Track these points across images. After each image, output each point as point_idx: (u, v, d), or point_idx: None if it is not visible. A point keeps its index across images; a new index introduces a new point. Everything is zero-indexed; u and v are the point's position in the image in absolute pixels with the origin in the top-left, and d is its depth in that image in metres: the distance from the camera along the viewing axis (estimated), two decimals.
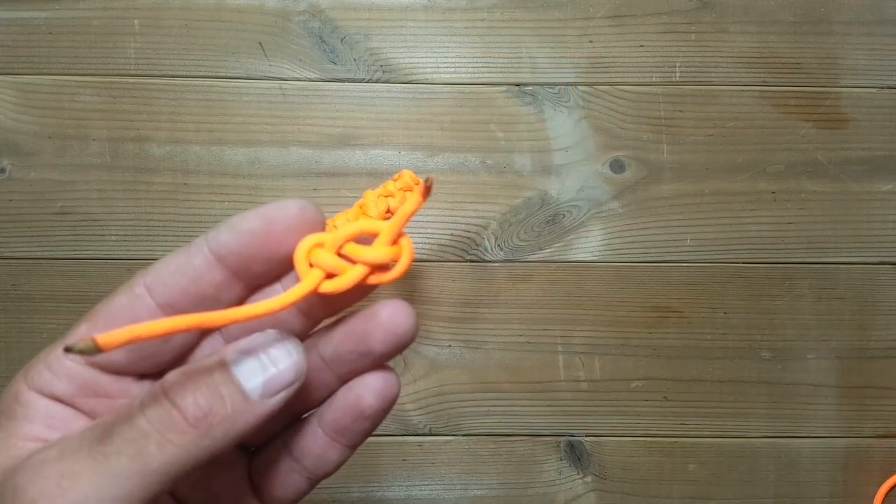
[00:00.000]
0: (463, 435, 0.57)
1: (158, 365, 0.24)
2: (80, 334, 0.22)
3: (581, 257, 0.57)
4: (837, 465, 0.58)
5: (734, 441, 0.58)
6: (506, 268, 0.57)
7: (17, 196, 0.56)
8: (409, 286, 0.57)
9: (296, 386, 0.22)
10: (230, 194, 0.56)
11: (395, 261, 0.25)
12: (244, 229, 0.22)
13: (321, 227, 0.24)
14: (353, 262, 0.24)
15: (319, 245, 0.23)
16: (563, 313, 0.57)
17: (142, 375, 0.24)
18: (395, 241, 0.24)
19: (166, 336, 0.21)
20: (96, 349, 0.19)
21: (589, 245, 0.57)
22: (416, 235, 0.57)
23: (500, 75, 0.57)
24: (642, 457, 0.57)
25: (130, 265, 0.56)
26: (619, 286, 0.57)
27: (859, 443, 0.58)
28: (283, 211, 0.22)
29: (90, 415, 0.23)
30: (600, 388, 0.57)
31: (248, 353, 0.21)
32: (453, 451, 0.56)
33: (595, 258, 0.57)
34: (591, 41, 0.57)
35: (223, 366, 0.21)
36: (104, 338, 0.19)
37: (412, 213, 0.24)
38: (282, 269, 0.23)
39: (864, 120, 0.58)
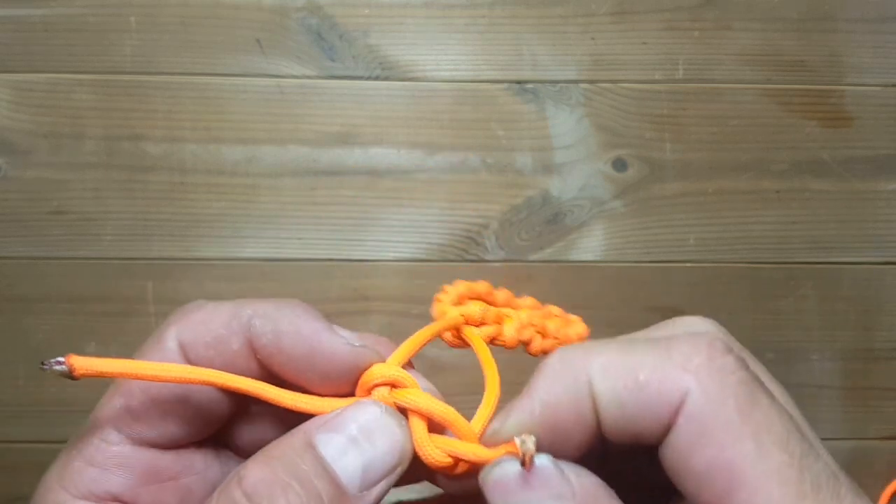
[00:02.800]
0: None
1: (212, 424, 0.20)
2: (117, 410, 0.19)
3: (583, 257, 0.57)
4: (842, 467, 0.57)
5: None
6: (507, 267, 0.56)
7: (11, 195, 0.55)
8: (409, 286, 0.56)
9: (399, 472, 0.18)
10: (227, 193, 0.56)
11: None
12: (286, 349, 0.19)
13: (376, 359, 0.20)
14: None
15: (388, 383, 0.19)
16: None
17: (201, 442, 0.20)
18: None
19: (182, 382, 0.18)
20: (70, 374, 0.17)
21: (591, 245, 0.57)
22: (416, 235, 0.56)
23: (501, 72, 0.56)
24: None
25: (126, 264, 0.55)
26: (620, 286, 0.57)
27: (864, 445, 0.57)
28: (331, 350, 0.19)
29: None
30: None
31: (338, 430, 0.18)
32: None
33: (597, 258, 0.57)
34: (593, 38, 0.57)
35: (310, 448, 0.17)
36: (80, 362, 0.17)
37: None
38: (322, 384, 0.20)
39: (869, 118, 0.57)
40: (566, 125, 0.56)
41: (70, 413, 0.55)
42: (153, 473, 0.19)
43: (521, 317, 0.22)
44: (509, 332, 0.21)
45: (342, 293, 0.56)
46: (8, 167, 0.55)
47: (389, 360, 0.20)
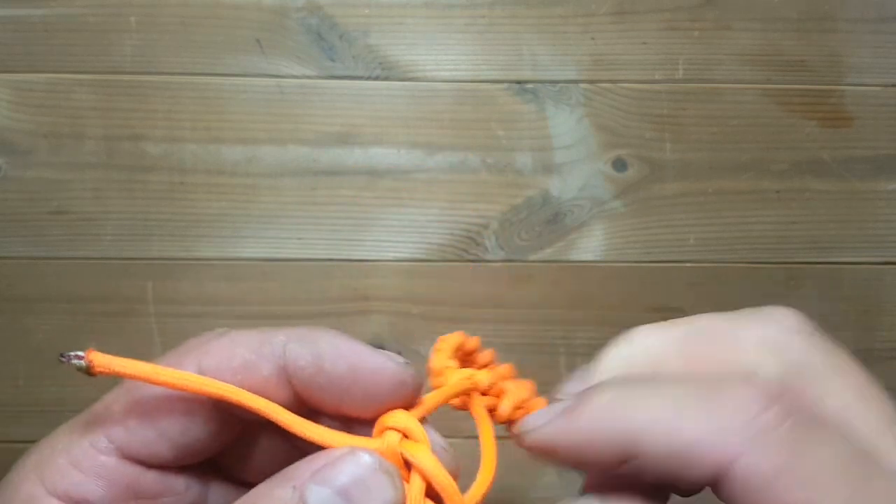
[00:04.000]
0: (463, 437, 0.56)
1: (204, 455, 0.20)
2: (114, 420, 0.18)
3: (583, 257, 0.57)
4: None
5: None
6: (507, 268, 0.56)
7: (11, 195, 0.55)
8: (409, 286, 0.56)
9: None
10: (227, 193, 0.56)
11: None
12: (328, 371, 0.18)
13: (416, 391, 0.20)
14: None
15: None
16: (565, 314, 0.57)
17: (184, 467, 0.20)
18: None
19: (199, 393, 0.18)
20: (88, 370, 0.17)
21: (591, 245, 0.57)
22: (416, 235, 0.56)
23: (501, 72, 0.56)
24: None
25: (126, 265, 0.55)
26: (621, 286, 0.57)
27: None
28: (375, 367, 0.18)
29: None
30: None
31: (329, 482, 0.17)
32: None
33: (597, 258, 0.57)
34: (593, 38, 0.57)
35: (301, 502, 0.17)
36: (100, 360, 0.17)
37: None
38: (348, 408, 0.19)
39: (869, 118, 0.57)
40: (566, 125, 0.56)
41: (70, 413, 0.55)
42: (134, 489, 0.19)
43: (520, 394, 0.22)
44: (505, 408, 0.21)
45: (342, 293, 0.56)
46: (8, 167, 0.55)
47: (413, 410, 0.19)
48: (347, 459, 0.17)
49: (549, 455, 0.19)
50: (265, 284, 0.56)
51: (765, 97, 0.57)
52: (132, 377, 0.18)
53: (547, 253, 0.57)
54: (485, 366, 0.23)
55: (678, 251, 0.57)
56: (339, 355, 0.18)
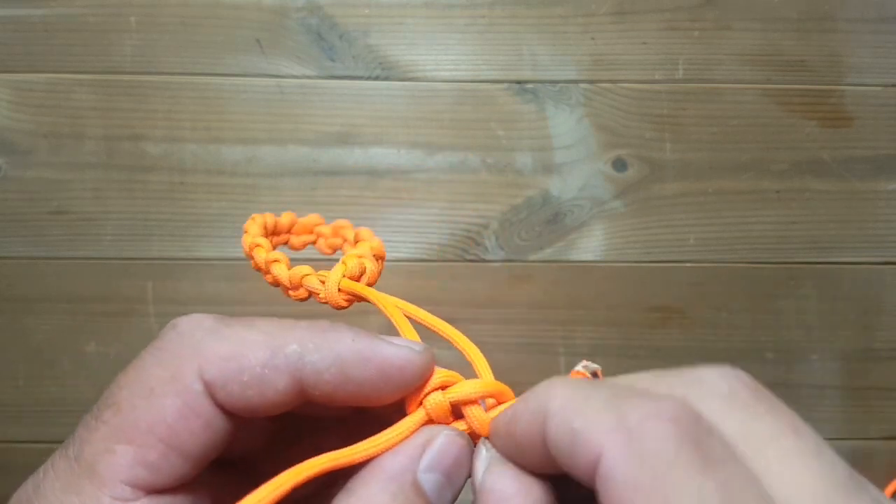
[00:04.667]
0: None
1: (220, 455, 0.19)
2: (128, 463, 0.16)
3: (583, 257, 0.57)
4: None
5: None
6: (506, 268, 0.56)
7: (11, 195, 0.55)
8: (409, 286, 0.56)
9: None
10: (227, 193, 0.56)
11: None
12: (356, 378, 0.17)
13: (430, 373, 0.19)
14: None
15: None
16: (565, 314, 0.56)
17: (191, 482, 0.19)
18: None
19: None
20: None
21: (591, 244, 0.57)
22: (416, 235, 0.56)
23: (501, 72, 0.56)
24: None
25: (126, 265, 0.55)
26: (621, 286, 0.57)
27: (865, 445, 0.57)
28: (404, 370, 0.18)
29: None
30: None
31: (435, 468, 0.17)
32: None
33: (597, 258, 0.57)
34: (593, 38, 0.57)
35: (419, 492, 0.17)
36: None
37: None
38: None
39: (869, 118, 0.57)
40: (566, 125, 0.56)
41: (70, 413, 0.55)
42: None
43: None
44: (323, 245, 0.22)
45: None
46: (8, 167, 0.55)
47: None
48: (447, 442, 0.17)
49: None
50: (265, 284, 0.56)
51: (765, 97, 0.57)
52: None
53: (547, 253, 0.56)
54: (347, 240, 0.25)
55: (678, 251, 0.57)
56: (364, 360, 0.17)
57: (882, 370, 0.57)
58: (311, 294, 0.22)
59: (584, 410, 0.16)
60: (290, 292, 0.22)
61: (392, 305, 0.21)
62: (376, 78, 0.56)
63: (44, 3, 0.55)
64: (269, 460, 0.21)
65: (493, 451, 0.17)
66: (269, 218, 0.24)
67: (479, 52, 0.56)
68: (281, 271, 0.22)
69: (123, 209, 0.55)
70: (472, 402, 0.19)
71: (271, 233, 0.24)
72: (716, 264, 0.57)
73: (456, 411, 0.19)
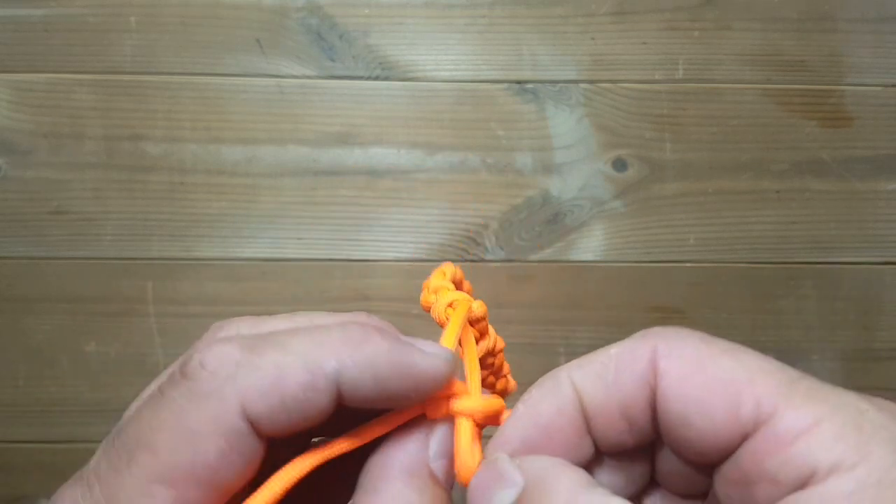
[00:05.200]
0: None
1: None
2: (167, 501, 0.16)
3: (583, 257, 0.57)
4: None
5: None
6: (506, 268, 0.56)
7: (11, 195, 0.55)
8: (409, 286, 0.56)
9: None
10: (227, 193, 0.56)
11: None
12: (391, 390, 0.18)
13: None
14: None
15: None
16: (565, 314, 0.56)
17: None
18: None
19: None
20: None
21: (591, 245, 0.57)
22: (416, 235, 0.56)
23: (501, 72, 0.56)
24: None
25: (126, 265, 0.55)
26: (621, 286, 0.57)
27: None
28: (436, 381, 0.18)
29: None
30: None
31: (449, 454, 0.18)
32: None
33: (597, 258, 0.57)
34: (593, 38, 0.57)
35: (436, 483, 0.18)
36: None
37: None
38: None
39: (869, 118, 0.57)
40: (566, 125, 0.56)
41: (70, 413, 0.55)
42: None
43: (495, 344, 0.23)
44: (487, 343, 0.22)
45: (342, 293, 0.56)
46: (8, 167, 0.55)
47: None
48: (445, 429, 0.19)
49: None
50: (265, 284, 0.56)
51: (765, 97, 0.57)
52: None
53: (547, 253, 0.56)
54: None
55: (678, 251, 0.57)
56: (402, 375, 0.18)
57: (882, 370, 0.57)
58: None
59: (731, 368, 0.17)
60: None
61: (474, 361, 0.21)
62: (376, 78, 0.56)
63: (44, 3, 0.55)
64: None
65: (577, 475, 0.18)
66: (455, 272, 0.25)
67: (479, 52, 0.56)
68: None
69: (123, 209, 0.55)
70: (469, 416, 0.19)
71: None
72: (716, 264, 0.57)
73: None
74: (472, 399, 0.19)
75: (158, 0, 0.56)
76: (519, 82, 0.56)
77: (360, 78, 0.56)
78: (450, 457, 0.18)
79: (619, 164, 0.56)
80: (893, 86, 0.57)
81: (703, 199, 0.57)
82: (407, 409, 0.19)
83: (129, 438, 0.17)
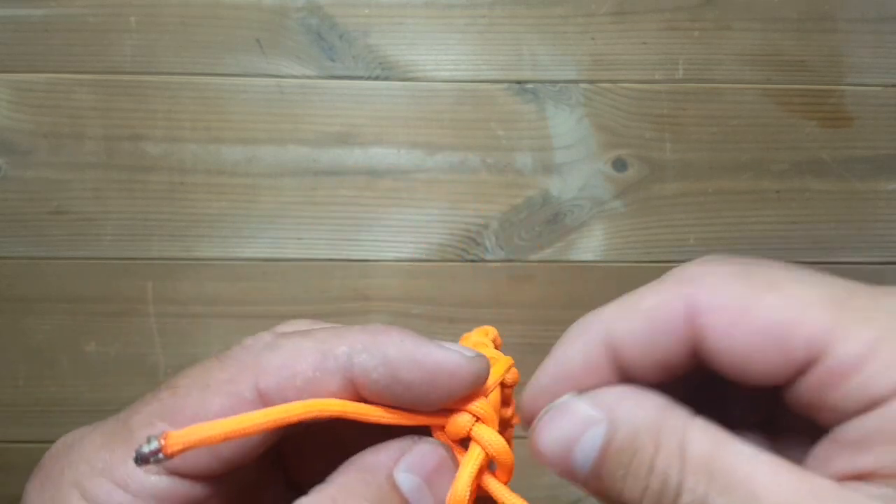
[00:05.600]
0: None
1: (252, 459, 0.19)
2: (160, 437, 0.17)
3: (583, 257, 0.57)
4: None
5: None
6: (506, 268, 0.56)
7: (11, 195, 0.55)
8: (409, 286, 0.56)
9: None
10: (227, 193, 0.56)
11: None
12: (404, 380, 0.18)
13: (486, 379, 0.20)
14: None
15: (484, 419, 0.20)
16: (565, 314, 0.56)
17: (216, 476, 0.19)
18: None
19: (267, 430, 0.17)
20: (165, 456, 0.15)
21: (591, 245, 0.57)
22: (416, 235, 0.56)
23: (501, 72, 0.56)
24: None
25: (126, 264, 0.55)
26: (621, 286, 0.56)
27: None
28: (452, 368, 0.18)
29: None
30: None
31: (416, 470, 0.18)
32: None
33: (597, 258, 0.57)
34: (593, 38, 0.57)
35: (395, 489, 0.17)
36: (174, 440, 0.16)
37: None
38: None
39: (869, 118, 0.57)
40: (566, 125, 0.56)
41: (70, 413, 0.55)
42: (183, 501, 0.18)
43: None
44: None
45: (342, 293, 0.56)
46: (8, 167, 0.55)
47: (488, 399, 0.20)
48: (428, 449, 0.18)
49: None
50: (265, 284, 0.56)
51: (765, 97, 0.57)
52: (216, 441, 0.17)
53: (547, 253, 0.56)
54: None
55: (678, 251, 0.57)
56: (414, 362, 0.18)
57: None
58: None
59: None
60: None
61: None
62: (376, 78, 0.56)
63: (44, 3, 0.55)
64: (292, 452, 0.22)
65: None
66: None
67: (479, 52, 0.56)
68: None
69: (123, 209, 0.55)
70: (487, 447, 0.19)
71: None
72: None
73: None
74: (489, 431, 0.19)
75: (158, 0, 0.56)
76: (519, 82, 0.56)
77: (360, 78, 0.56)
78: (426, 478, 0.18)
79: (619, 164, 0.56)
80: (893, 86, 0.57)
81: (703, 199, 0.57)
82: (432, 412, 0.19)
83: (166, 381, 0.19)
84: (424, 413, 0.19)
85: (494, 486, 0.19)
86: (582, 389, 0.18)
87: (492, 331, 0.23)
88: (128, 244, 0.55)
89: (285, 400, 0.18)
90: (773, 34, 0.57)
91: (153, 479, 0.17)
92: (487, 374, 0.19)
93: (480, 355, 0.19)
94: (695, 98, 0.57)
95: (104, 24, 0.55)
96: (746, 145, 0.57)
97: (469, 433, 0.19)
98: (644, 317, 0.18)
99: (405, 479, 0.17)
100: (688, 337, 0.17)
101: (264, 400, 0.18)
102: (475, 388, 0.19)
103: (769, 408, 0.19)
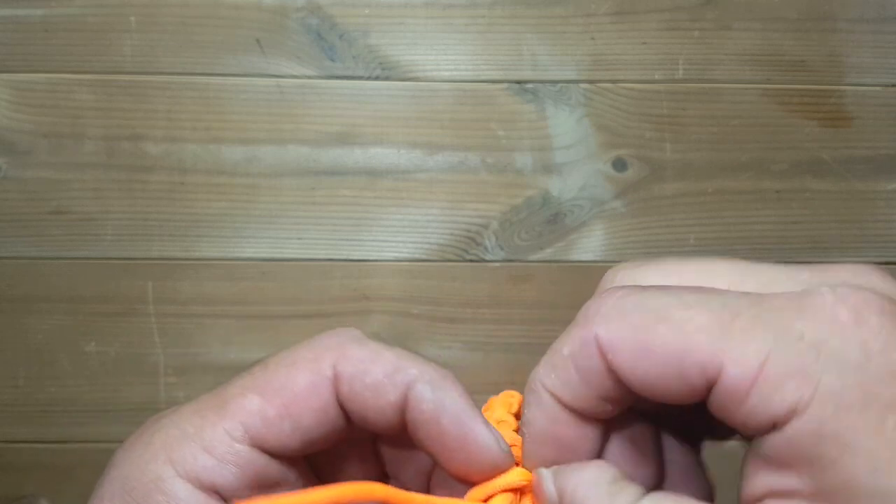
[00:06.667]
0: None
1: (321, 448, 0.21)
2: (251, 410, 0.19)
3: (583, 257, 0.57)
4: None
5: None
6: (506, 268, 0.56)
7: (11, 195, 0.55)
8: (409, 286, 0.56)
9: None
10: (227, 193, 0.56)
11: None
12: (443, 425, 0.19)
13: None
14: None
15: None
16: (565, 314, 0.56)
17: (298, 454, 0.21)
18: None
19: None
20: None
21: (591, 245, 0.57)
22: (416, 235, 0.56)
23: (501, 72, 0.56)
24: None
25: (126, 265, 0.55)
26: None
27: None
28: (483, 444, 0.20)
29: None
30: None
31: None
32: None
33: (597, 258, 0.57)
34: (593, 38, 0.57)
35: None
36: None
37: None
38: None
39: (869, 118, 0.57)
40: (566, 125, 0.56)
41: (70, 413, 0.55)
42: (259, 478, 0.19)
43: None
44: None
45: (342, 293, 0.56)
46: (8, 167, 0.55)
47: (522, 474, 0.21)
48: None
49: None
50: (265, 284, 0.56)
51: (765, 97, 0.57)
52: None
53: (547, 253, 0.56)
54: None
55: (678, 251, 0.57)
56: (459, 417, 0.19)
57: None
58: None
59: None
60: None
61: None
62: (376, 78, 0.56)
63: (44, 3, 0.55)
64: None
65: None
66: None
67: (479, 52, 0.56)
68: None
69: (123, 209, 0.55)
70: None
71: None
72: None
73: None
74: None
75: (158, 0, 0.56)
76: (519, 82, 0.56)
77: (360, 78, 0.56)
78: None
79: (619, 164, 0.56)
80: (893, 86, 0.57)
81: (703, 199, 0.57)
82: (449, 470, 0.20)
83: (258, 362, 0.21)
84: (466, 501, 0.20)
85: None
86: (555, 460, 0.20)
87: (516, 401, 0.23)
88: (128, 244, 0.55)
89: (351, 390, 0.19)
90: (773, 34, 0.57)
91: (237, 447, 0.19)
92: (508, 464, 0.20)
93: (511, 455, 0.20)
94: (695, 98, 0.57)
95: (104, 24, 0.55)
96: (746, 145, 0.57)
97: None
98: (568, 363, 0.19)
99: None
100: (608, 372, 0.18)
101: (338, 381, 0.19)
102: (490, 477, 0.20)
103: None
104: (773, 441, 0.16)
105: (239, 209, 0.56)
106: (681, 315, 0.17)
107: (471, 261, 0.56)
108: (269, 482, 0.20)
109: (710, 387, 0.16)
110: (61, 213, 0.55)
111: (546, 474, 0.19)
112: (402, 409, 0.20)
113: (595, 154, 0.56)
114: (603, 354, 0.18)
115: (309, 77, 0.56)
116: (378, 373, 0.19)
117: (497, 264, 0.56)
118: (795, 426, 0.15)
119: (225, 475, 0.19)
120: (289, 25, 0.56)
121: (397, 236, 0.56)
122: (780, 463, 0.16)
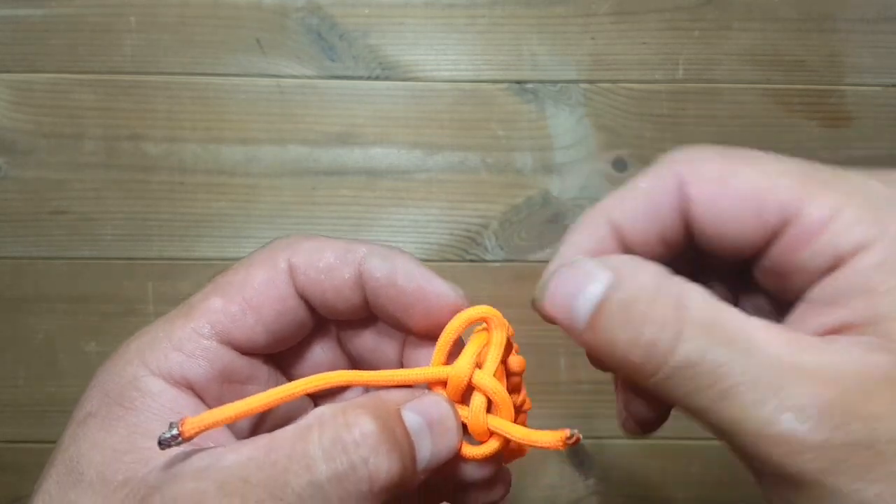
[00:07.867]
0: None
1: (287, 344, 0.22)
2: (215, 309, 0.20)
3: None
4: None
5: None
6: (506, 268, 0.56)
7: (11, 195, 0.55)
8: None
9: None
10: (227, 193, 0.56)
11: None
12: (400, 285, 0.21)
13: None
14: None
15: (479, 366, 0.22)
16: None
17: (269, 356, 0.22)
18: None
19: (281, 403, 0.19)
20: (181, 439, 0.17)
21: None
22: (416, 235, 0.56)
23: (501, 72, 0.56)
24: (645, 459, 0.57)
25: (126, 265, 0.55)
26: None
27: None
28: (439, 291, 0.21)
29: (212, 405, 0.20)
30: (602, 390, 0.56)
31: (421, 412, 0.20)
32: None
33: None
34: (593, 38, 0.57)
35: (400, 420, 0.19)
36: (191, 425, 0.17)
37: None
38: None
39: (869, 118, 0.57)
40: (566, 125, 0.56)
41: (70, 413, 0.55)
42: (228, 373, 0.21)
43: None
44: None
45: None
46: (8, 167, 0.55)
47: (487, 364, 0.22)
48: (433, 400, 0.20)
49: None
50: None
51: (765, 97, 0.57)
52: (228, 422, 0.19)
53: (547, 253, 0.56)
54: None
55: None
56: (411, 275, 0.21)
57: None
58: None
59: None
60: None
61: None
62: (376, 78, 0.56)
63: (44, 3, 0.55)
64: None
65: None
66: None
67: (479, 52, 0.56)
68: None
69: (123, 209, 0.55)
70: (485, 390, 0.21)
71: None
72: None
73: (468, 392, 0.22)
74: (489, 378, 0.21)
75: (158, 0, 0.56)
76: (519, 82, 0.56)
77: (360, 78, 0.56)
78: (429, 423, 0.20)
79: (619, 164, 0.57)
80: (893, 86, 0.57)
81: None
82: (418, 326, 0.21)
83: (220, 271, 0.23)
84: (426, 377, 0.21)
85: (496, 421, 0.21)
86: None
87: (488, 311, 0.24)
88: (128, 244, 0.55)
89: (307, 277, 0.21)
90: (773, 34, 0.57)
91: (205, 343, 0.20)
92: (466, 306, 0.22)
93: (464, 297, 0.22)
94: (695, 98, 0.57)
95: (104, 24, 0.55)
96: (746, 145, 0.57)
97: (470, 380, 0.21)
98: (642, 195, 0.20)
99: (411, 417, 0.19)
100: (680, 208, 0.19)
101: (293, 273, 0.21)
102: (452, 313, 0.22)
103: (737, 299, 0.22)
104: (830, 281, 0.17)
105: (239, 209, 0.56)
106: (766, 161, 0.19)
107: (471, 261, 0.56)
108: (239, 377, 0.21)
109: (782, 228, 0.18)
110: (61, 213, 0.55)
111: (585, 259, 0.19)
112: (359, 286, 0.21)
113: (595, 154, 0.57)
114: (681, 190, 0.19)
115: (309, 77, 0.56)
116: (329, 256, 0.21)
117: (497, 264, 0.56)
118: (859, 259, 0.17)
119: (195, 369, 0.20)
120: (289, 25, 0.56)
121: (397, 236, 0.56)
122: (834, 301, 0.17)
